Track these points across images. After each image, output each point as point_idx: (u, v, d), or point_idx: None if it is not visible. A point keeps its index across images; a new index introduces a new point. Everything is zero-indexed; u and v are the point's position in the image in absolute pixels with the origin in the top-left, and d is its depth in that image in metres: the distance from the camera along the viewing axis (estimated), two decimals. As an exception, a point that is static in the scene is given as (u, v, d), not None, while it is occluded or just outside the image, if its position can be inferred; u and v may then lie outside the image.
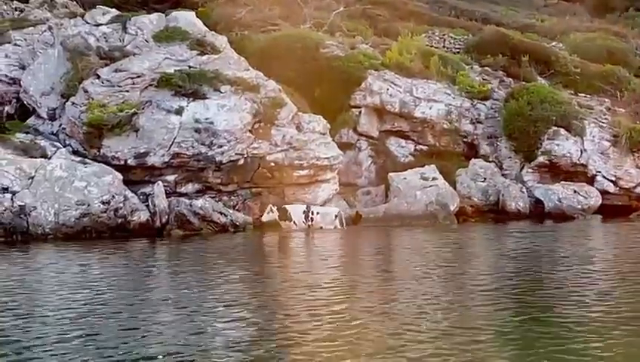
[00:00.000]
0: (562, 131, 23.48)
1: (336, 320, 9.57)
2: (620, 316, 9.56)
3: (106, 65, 21.29)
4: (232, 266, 14.25)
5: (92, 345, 8.63)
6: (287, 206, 20.06)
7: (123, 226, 18.87)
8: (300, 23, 27.61)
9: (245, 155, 20.32)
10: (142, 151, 19.97)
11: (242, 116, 20.54)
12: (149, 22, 22.41)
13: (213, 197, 19.99)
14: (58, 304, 10.90)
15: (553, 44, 30.04)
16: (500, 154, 23.99)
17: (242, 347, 8.48)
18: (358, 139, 23.73)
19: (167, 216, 19.23)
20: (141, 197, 19.51)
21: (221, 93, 20.85)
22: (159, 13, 23.05)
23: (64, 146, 20.47)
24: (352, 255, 16.63)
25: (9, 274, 13.67)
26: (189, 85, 20.56)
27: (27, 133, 21.04)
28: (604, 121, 24.45)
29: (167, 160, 19.95)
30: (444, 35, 29.93)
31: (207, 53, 21.91)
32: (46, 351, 8.44)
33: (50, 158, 19.63)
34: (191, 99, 20.52)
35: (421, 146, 24.21)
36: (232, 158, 20.20)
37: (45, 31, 23.92)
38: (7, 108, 22.76)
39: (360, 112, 23.94)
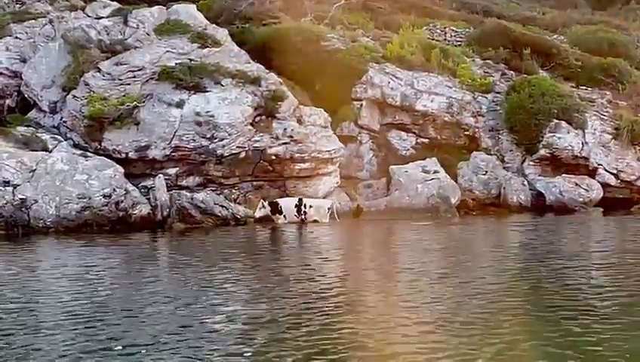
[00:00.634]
0: (564, 124, 23.46)
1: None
2: (621, 308, 9.55)
3: (107, 58, 21.32)
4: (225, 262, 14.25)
5: (85, 333, 8.75)
6: (278, 200, 19.86)
7: (124, 219, 18.88)
8: (300, 16, 27.57)
9: (246, 148, 20.32)
10: (143, 144, 19.99)
11: (243, 109, 20.53)
12: (150, 15, 22.43)
13: (214, 191, 20.00)
14: (56, 296, 10.92)
15: (554, 36, 30.00)
16: (501, 147, 23.97)
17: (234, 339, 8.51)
18: (360, 132, 23.70)
19: (168, 210, 19.22)
20: (142, 190, 19.52)
21: (222, 86, 20.85)
22: (160, 6, 23.08)
23: (65, 139, 20.50)
24: (348, 248, 16.59)
25: (7, 267, 13.67)
26: (189, 78, 20.56)
27: (28, 126, 21.05)
28: (605, 113, 24.42)
29: (168, 153, 19.96)
30: (445, 27, 29.88)
31: (208, 46, 21.93)
32: (38, 337, 8.61)
33: (51, 152, 19.65)
34: (192, 92, 20.53)
35: (422, 139, 24.18)
36: (233, 151, 20.21)
37: (46, 24, 23.90)
38: (8, 101, 22.78)
39: (361, 105, 23.91)
